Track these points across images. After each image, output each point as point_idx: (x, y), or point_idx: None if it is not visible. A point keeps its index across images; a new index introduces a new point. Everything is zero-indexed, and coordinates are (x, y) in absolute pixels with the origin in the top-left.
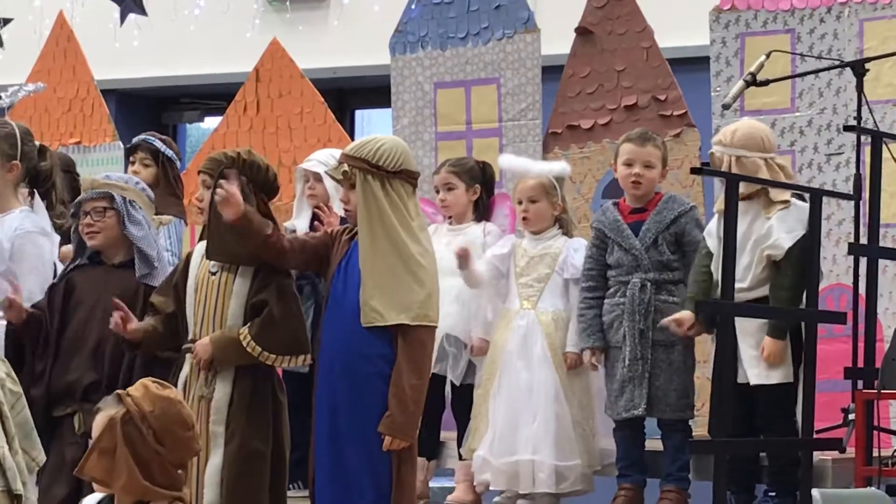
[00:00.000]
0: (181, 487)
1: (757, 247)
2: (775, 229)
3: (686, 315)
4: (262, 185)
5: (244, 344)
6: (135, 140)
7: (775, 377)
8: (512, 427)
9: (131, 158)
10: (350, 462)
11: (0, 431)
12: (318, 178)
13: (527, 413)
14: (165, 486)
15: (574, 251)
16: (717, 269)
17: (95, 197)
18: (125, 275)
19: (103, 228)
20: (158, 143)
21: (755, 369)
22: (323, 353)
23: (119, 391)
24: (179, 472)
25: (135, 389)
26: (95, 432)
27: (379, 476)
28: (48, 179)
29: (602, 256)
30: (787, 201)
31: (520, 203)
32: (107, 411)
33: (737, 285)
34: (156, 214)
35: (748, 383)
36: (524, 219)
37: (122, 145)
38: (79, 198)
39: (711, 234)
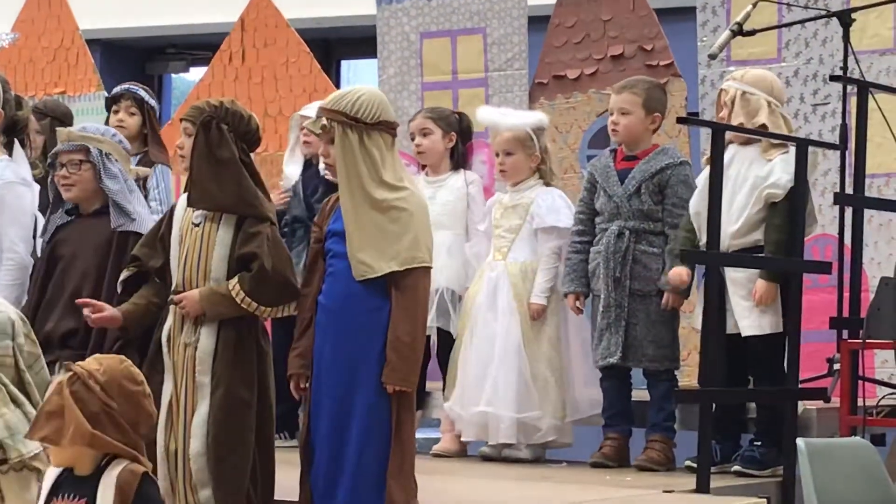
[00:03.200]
0: (140, 450)
1: (755, 189)
2: (777, 170)
3: (683, 271)
4: (243, 134)
5: (238, 300)
6: (116, 90)
7: (767, 327)
8: (480, 378)
9: (114, 108)
10: (348, 415)
11: (23, 397)
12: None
13: (490, 365)
14: (119, 441)
15: (542, 201)
16: (703, 217)
17: (71, 149)
18: (99, 223)
19: (78, 181)
20: (143, 92)
21: (746, 320)
22: (320, 310)
23: (70, 363)
24: (141, 442)
25: (87, 361)
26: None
27: (379, 428)
28: (24, 130)
29: (592, 201)
30: (786, 146)
31: (497, 156)
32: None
33: (729, 228)
34: (148, 163)
35: (736, 334)
36: (501, 171)
37: (106, 95)
38: (55, 149)
39: (701, 184)
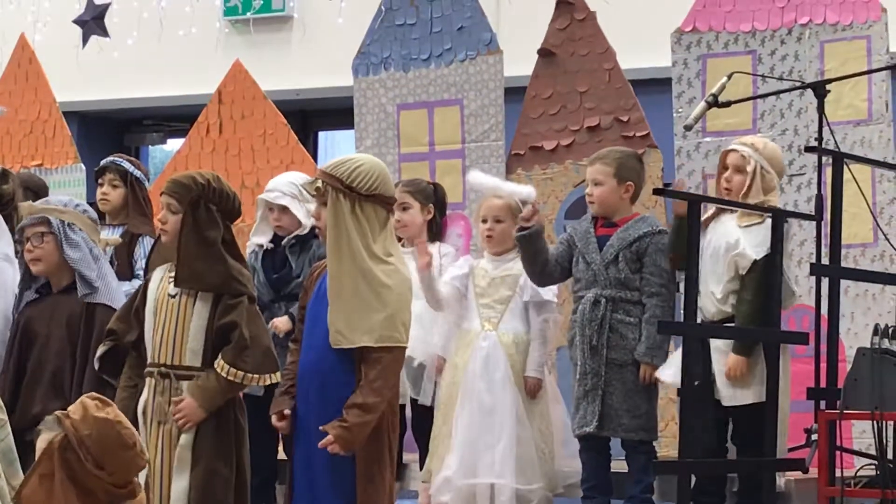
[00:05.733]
0: (135, 494)
1: (727, 254)
2: (742, 240)
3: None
4: (228, 212)
5: (224, 373)
6: (103, 162)
7: (749, 397)
8: (473, 449)
9: (100, 181)
10: (320, 484)
11: None
12: (283, 208)
13: (489, 435)
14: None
15: None
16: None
17: (34, 222)
18: (69, 300)
19: (43, 254)
20: (127, 164)
21: (729, 390)
22: (300, 378)
23: (59, 412)
24: (134, 480)
25: (74, 410)
26: (38, 455)
27: (347, 497)
28: (10, 203)
29: (564, 254)
30: (762, 216)
31: (484, 221)
32: (48, 433)
33: (712, 292)
34: (128, 234)
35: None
36: (488, 237)
37: (84, 167)
38: (20, 224)
39: None
